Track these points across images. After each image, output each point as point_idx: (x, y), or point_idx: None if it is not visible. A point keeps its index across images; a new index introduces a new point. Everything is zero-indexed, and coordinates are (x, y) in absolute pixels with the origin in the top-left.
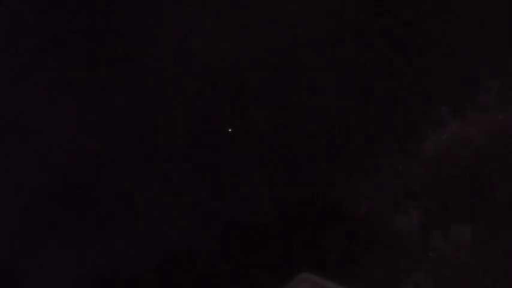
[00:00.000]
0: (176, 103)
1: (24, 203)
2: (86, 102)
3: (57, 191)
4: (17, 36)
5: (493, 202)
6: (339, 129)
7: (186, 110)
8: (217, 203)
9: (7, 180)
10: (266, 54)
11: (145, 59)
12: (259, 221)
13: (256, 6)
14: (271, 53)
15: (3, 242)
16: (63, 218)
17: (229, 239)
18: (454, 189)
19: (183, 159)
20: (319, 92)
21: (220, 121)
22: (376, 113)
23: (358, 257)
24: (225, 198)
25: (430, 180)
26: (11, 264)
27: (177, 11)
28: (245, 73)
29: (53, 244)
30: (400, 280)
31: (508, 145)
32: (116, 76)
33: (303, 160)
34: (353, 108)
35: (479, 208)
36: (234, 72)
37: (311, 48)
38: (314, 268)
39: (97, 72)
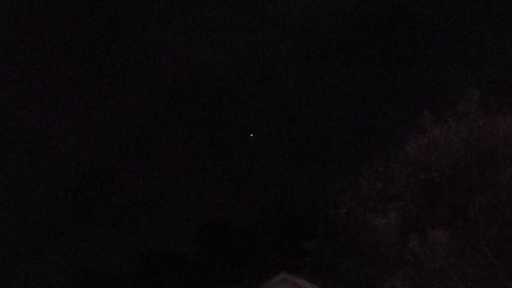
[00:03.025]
0: (171, 106)
1: (20, 204)
2: (87, 103)
3: (52, 192)
4: (16, 39)
5: (471, 208)
6: (322, 130)
7: (180, 113)
8: (200, 203)
9: (5, 181)
10: (261, 57)
11: (147, 60)
12: (240, 220)
13: (257, 9)
14: (265, 57)
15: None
16: (52, 218)
17: (211, 238)
18: (433, 194)
19: (173, 161)
20: (309, 94)
21: (216, 123)
22: (359, 116)
23: (337, 258)
24: (208, 199)
25: (410, 183)
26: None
27: (177, 16)
28: (239, 76)
29: (48, 243)
30: (377, 283)
31: (487, 152)
32: (120, 77)
33: (283, 161)
34: (336, 111)
35: (457, 213)
36: (230, 75)
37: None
38: (293, 268)
39: (98, 74)
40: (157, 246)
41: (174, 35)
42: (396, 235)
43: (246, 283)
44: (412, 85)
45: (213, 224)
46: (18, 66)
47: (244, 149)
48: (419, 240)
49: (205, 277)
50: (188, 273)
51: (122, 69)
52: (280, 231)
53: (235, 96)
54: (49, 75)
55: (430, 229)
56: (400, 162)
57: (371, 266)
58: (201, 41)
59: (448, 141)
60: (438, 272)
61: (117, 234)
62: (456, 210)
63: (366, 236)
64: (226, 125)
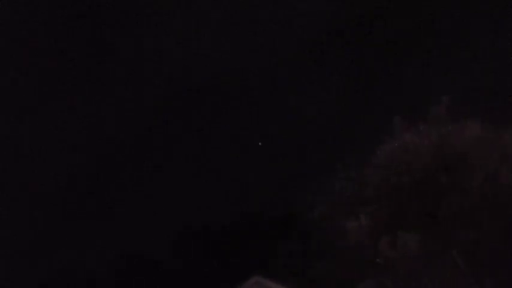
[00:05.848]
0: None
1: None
2: (87, 105)
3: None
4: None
5: (440, 212)
6: (295, 133)
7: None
8: (174, 207)
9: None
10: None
11: (151, 63)
12: (214, 224)
13: (258, 12)
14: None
15: None
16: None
17: (185, 242)
18: (404, 197)
19: (153, 164)
20: (282, 97)
21: (204, 127)
22: (332, 120)
23: (310, 261)
24: (182, 202)
25: (381, 187)
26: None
27: (178, 20)
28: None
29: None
30: (349, 285)
31: (456, 157)
32: (123, 77)
33: (257, 163)
34: (310, 115)
35: (427, 217)
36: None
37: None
38: (266, 272)
39: (100, 76)
40: (132, 250)
41: (176, 37)
42: (367, 238)
43: (219, 286)
44: (384, 91)
45: (185, 228)
46: (20, 70)
47: (218, 152)
48: (389, 244)
49: (178, 281)
50: (162, 275)
51: (121, 70)
52: (253, 234)
53: (209, 99)
54: (50, 76)
55: (400, 232)
56: (372, 167)
57: (343, 268)
58: (203, 42)
59: (418, 146)
60: (408, 275)
61: (93, 235)
62: (426, 214)
63: (338, 239)
64: (199, 127)
